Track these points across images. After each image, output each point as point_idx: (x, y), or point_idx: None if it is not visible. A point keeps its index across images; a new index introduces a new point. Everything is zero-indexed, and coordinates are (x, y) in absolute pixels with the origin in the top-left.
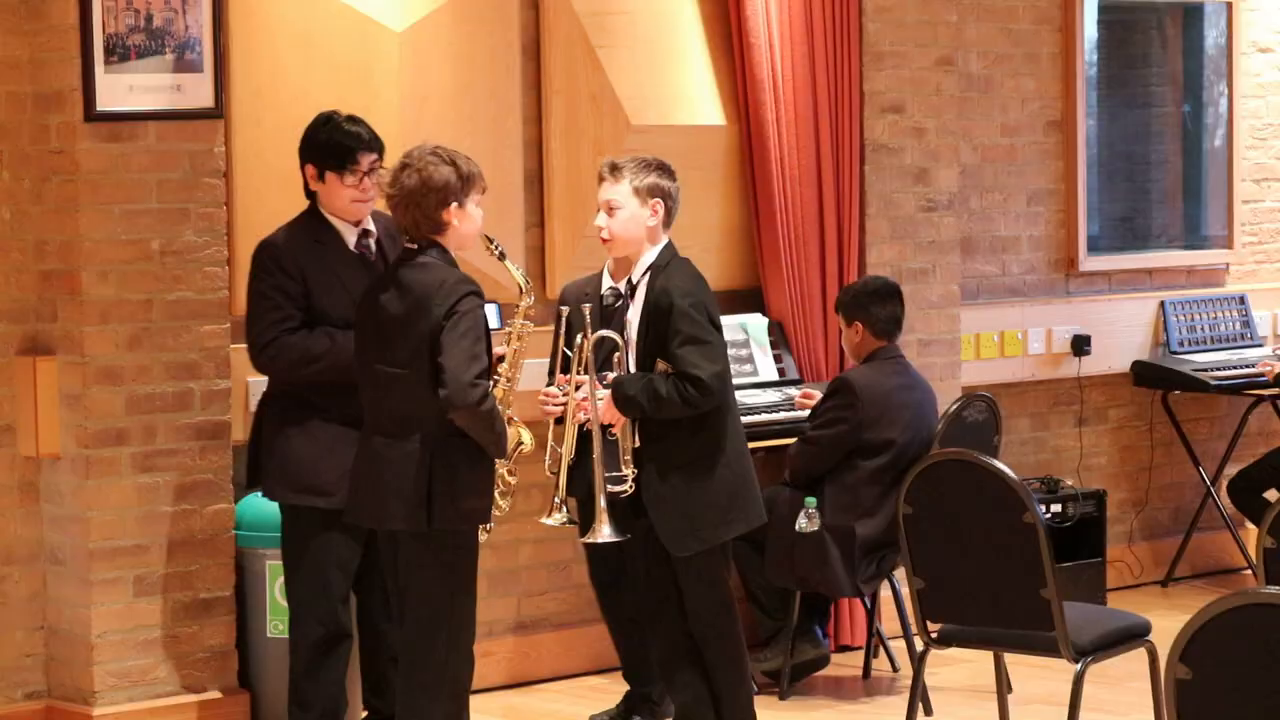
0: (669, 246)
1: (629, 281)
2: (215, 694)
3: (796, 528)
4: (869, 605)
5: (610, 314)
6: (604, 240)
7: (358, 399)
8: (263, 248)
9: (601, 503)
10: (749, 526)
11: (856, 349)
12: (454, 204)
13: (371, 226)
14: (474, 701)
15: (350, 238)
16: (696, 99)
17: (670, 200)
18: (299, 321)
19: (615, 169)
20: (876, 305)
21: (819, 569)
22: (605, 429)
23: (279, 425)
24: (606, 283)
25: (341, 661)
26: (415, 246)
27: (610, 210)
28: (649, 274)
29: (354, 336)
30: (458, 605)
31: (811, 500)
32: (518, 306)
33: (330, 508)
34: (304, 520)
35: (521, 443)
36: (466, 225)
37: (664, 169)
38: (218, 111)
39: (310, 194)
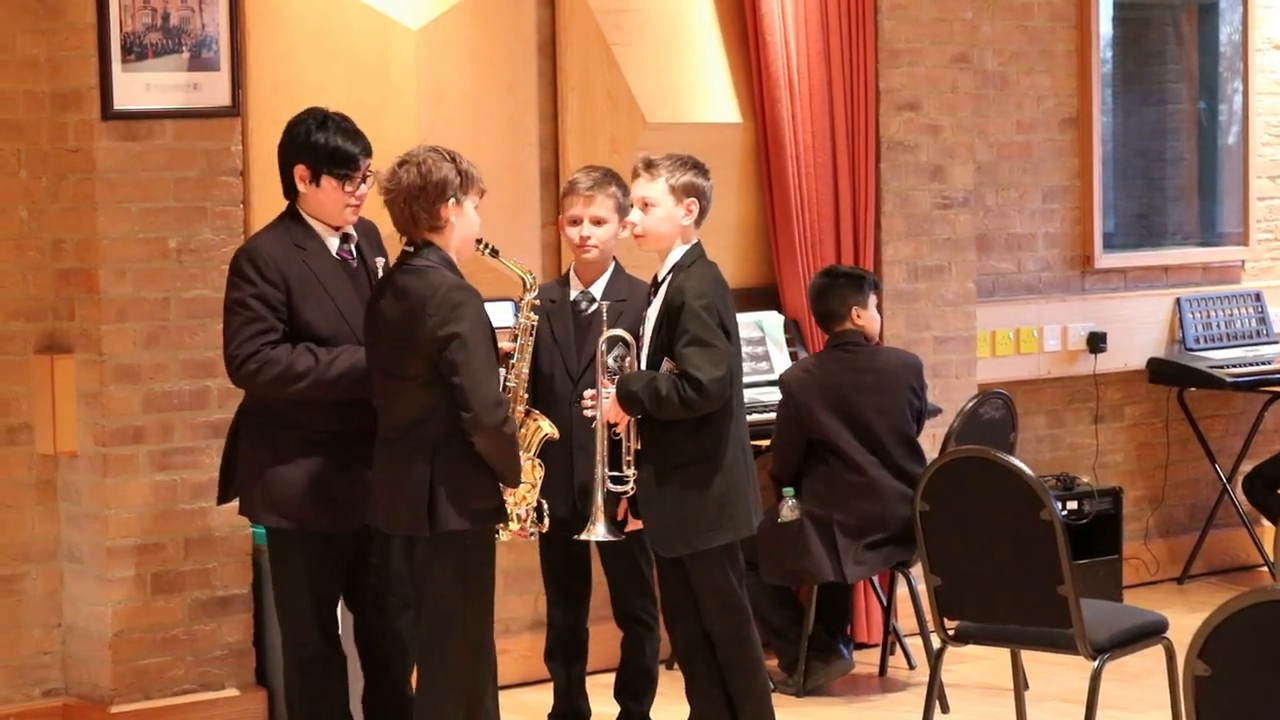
0: (697, 246)
1: (655, 279)
2: (233, 692)
3: (779, 519)
4: (885, 601)
5: (584, 320)
6: (636, 236)
7: (338, 415)
8: (242, 253)
9: (599, 500)
10: (737, 536)
11: None
12: (453, 200)
13: (352, 230)
14: None
15: (333, 243)
16: (712, 96)
17: (704, 199)
18: (281, 334)
19: (650, 166)
20: (811, 302)
21: (802, 558)
22: (610, 428)
23: (255, 442)
24: (575, 288)
25: (335, 681)
26: (411, 248)
27: (645, 207)
28: (672, 273)
29: (365, 344)
30: (473, 606)
31: (789, 491)
32: (520, 301)
33: (304, 531)
34: (282, 541)
35: (544, 432)
36: (464, 226)
37: (699, 168)
38: (234, 110)
39: (291, 195)
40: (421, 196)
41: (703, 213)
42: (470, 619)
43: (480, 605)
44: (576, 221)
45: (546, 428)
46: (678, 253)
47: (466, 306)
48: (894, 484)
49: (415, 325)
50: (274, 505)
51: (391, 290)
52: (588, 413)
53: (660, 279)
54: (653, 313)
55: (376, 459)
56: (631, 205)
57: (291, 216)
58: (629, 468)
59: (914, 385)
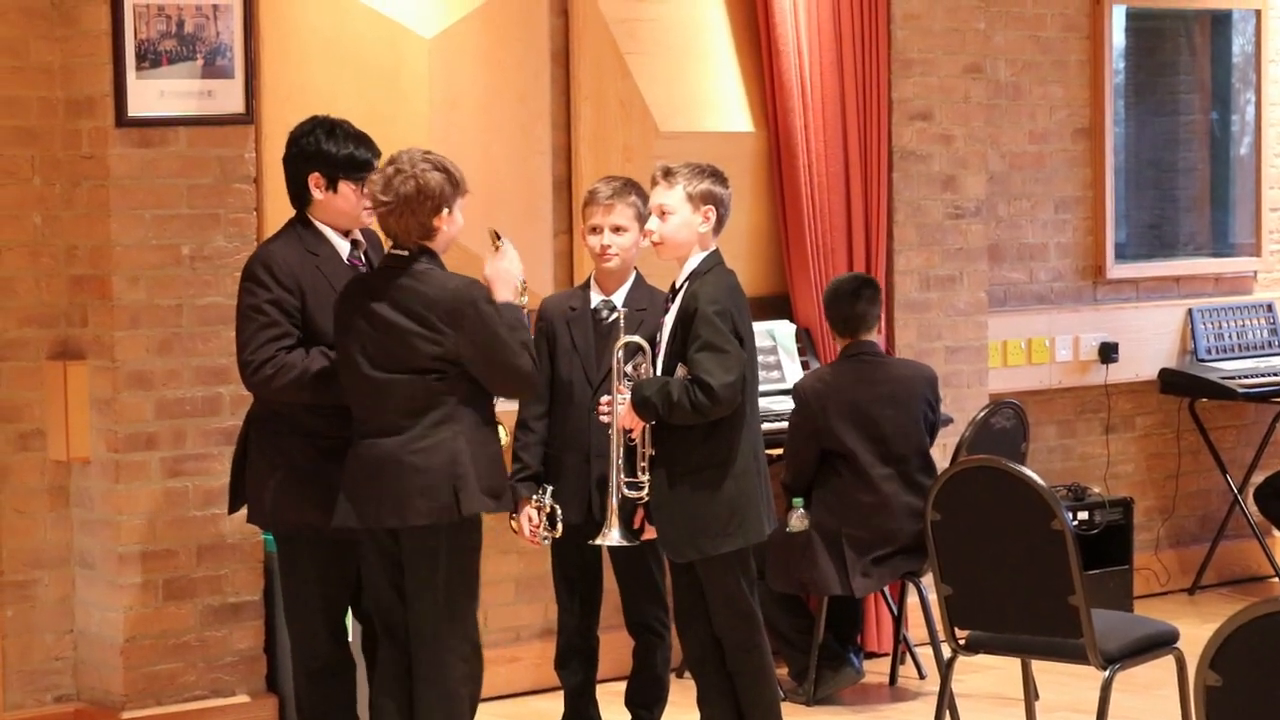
0: (715, 254)
1: (672, 286)
2: (244, 698)
3: (787, 529)
4: (895, 611)
5: (604, 329)
6: (654, 244)
7: (348, 421)
8: (256, 259)
9: (613, 504)
10: (747, 543)
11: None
12: (445, 210)
13: (359, 236)
14: (500, 707)
15: (343, 249)
16: (725, 106)
17: (722, 207)
18: (296, 339)
19: (669, 173)
20: (830, 308)
21: (809, 570)
22: (626, 433)
23: (264, 449)
24: (596, 296)
25: (342, 691)
26: (406, 253)
27: (663, 214)
28: (689, 280)
29: (339, 345)
30: (474, 596)
31: (799, 501)
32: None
33: (313, 537)
34: (291, 548)
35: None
36: (452, 229)
37: (717, 175)
38: (248, 117)
39: (300, 202)
40: (419, 208)
41: (720, 220)
42: (473, 608)
43: (475, 594)
44: (597, 230)
45: (502, 435)
46: (695, 260)
47: (486, 295)
48: (906, 499)
49: (443, 325)
50: (283, 511)
51: (395, 295)
52: (603, 418)
53: (678, 286)
54: (669, 319)
55: (364, 455)
56: (649, 213)
57: (302, 223)
58: (644, 473)
59: (929, 398)
